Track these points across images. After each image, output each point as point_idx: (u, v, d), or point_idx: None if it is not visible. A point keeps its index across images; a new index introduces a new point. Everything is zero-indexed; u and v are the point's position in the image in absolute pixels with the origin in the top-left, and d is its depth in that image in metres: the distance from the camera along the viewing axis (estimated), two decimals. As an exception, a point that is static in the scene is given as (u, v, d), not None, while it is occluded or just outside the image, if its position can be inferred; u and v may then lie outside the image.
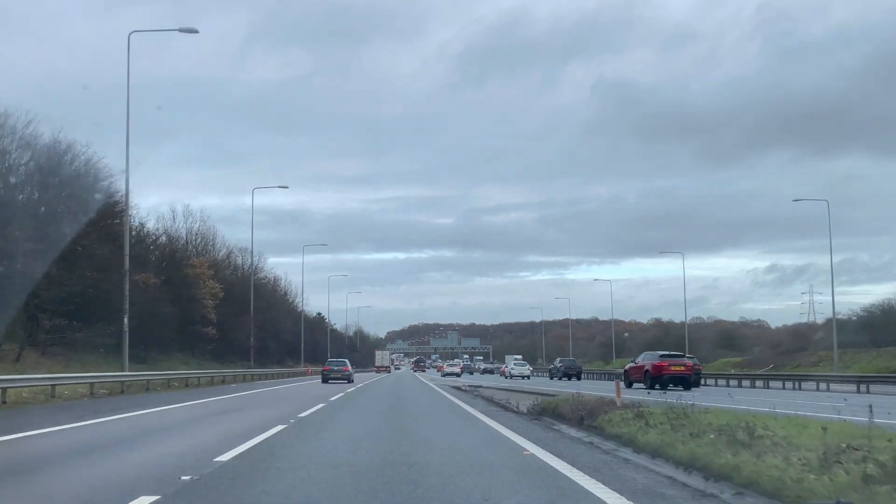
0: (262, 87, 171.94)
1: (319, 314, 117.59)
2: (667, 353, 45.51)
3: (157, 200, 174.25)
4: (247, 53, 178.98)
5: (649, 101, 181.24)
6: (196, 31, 40.20)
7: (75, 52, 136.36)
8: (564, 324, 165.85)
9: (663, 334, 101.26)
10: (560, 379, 66.92)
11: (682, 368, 41.74)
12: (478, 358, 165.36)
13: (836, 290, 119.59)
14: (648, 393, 27.80)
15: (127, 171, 37.15)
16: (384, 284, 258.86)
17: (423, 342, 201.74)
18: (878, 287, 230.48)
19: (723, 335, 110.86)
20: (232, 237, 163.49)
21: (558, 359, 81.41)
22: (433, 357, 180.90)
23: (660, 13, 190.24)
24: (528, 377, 75.97)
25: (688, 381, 41.65)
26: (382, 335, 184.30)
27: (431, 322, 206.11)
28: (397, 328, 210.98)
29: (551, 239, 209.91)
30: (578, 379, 66.20)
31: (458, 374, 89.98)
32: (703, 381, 50.54)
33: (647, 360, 43.85)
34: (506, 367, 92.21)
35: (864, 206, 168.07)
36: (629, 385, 43.36)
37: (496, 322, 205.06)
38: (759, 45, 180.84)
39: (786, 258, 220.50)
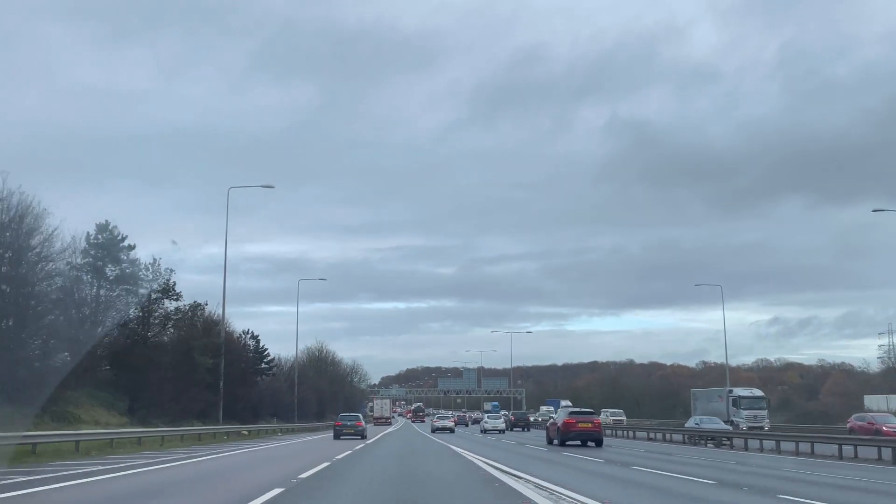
0: (267, 132, 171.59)
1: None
2: (576, 409, 47.64)
3: (158, 248, 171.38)
4: (251, 87, 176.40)
5: (663, 142, 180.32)
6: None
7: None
8: (592, 367, 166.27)
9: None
10: (511, 430, 74.54)
11: (590, 426, 42.25)
12: (494, 406, 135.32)
13: (837, 343, 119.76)
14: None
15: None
16: (383, 334, 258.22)
17: (426, 385, 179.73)
18: (881, 341, 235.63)
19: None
20: (234, 286, 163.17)
21: (512, 411, 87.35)
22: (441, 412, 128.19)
23: (680, 52, 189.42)
24: (504, 431, 72.02)
25: (596, 437, 42.19)
26: (376, 381, 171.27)
27: (432, 365, 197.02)
28: (392, 373, 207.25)
29: (553, 289, 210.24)
30: (526, 430, 71.74)
31: (451, 430, 71.91)
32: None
33: (560, 416, 45.21)
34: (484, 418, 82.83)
35: (873, 256, 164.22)
36: (549, 442, 44.23)
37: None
38: (780, 86, 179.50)
39: (789, 310, 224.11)
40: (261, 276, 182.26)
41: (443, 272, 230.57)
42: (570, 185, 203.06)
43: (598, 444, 42.17)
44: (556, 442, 43.16)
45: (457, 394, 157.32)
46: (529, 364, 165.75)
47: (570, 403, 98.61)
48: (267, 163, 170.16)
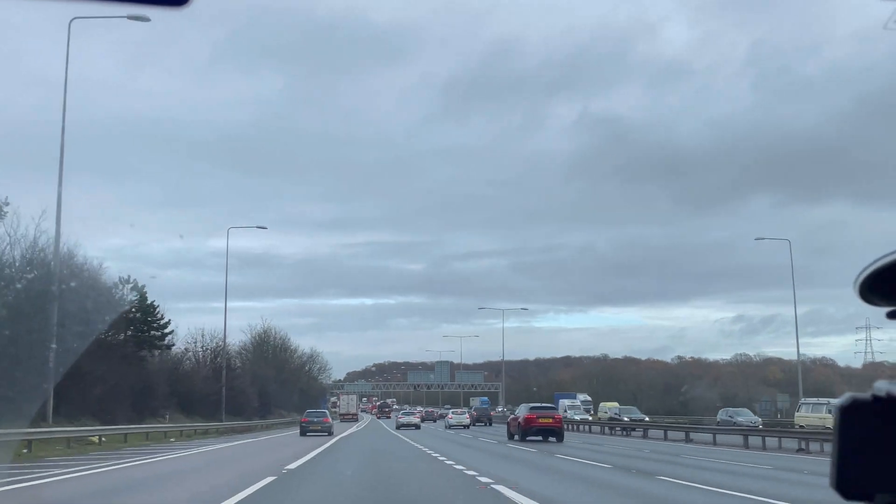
0: (233, 125, 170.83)
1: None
2: (537, 405, 48.64)
3: (120, 242, 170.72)
4: (217, 79, 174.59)
5: (635, 139, 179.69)
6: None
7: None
8: (566, 361, 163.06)
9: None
10: (474, 425, 73.45)
11: (551, 421, 43.73)
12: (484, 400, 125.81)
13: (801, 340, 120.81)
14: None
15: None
16: (351, 330, 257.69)
17: (395, 379, 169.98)
18: (840, 339, 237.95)
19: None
20: (197, 281, 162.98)
21: (474, 407, 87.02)
22: (406, 407, 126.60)
23: (652, 48, 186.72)
24: (468, 426, 71.09)
25: (556, 432, 43.40)
26: (342, 376, 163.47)
27: (400, 360, 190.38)
28: (358, 368, 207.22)
29: (522, 286, 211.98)
30: (489, 425, 72.04)
31: (417, 426, 69.03)
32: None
33: (521, 412, 46.48)
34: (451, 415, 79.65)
35: (837, 255, 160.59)
36: (510, 437, 45.39)
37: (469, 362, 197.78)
38: (750, 83, 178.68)
39: (752, 308, 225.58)
40: (223, 270, 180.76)
41: (412, 268, 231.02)
42: (541, 182, 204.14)
43: (559, 438, 43.04)
44: (516, 437, 44.06)
45: (428, 388, 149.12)
46: (499, 359, 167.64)
47: (588, 398, 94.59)
48: (233, 156, 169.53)
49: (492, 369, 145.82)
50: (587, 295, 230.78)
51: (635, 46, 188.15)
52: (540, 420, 43.66)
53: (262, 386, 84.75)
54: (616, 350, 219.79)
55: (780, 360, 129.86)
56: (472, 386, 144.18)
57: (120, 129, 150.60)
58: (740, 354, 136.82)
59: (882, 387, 1.42)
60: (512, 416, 49.27)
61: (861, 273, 1.60)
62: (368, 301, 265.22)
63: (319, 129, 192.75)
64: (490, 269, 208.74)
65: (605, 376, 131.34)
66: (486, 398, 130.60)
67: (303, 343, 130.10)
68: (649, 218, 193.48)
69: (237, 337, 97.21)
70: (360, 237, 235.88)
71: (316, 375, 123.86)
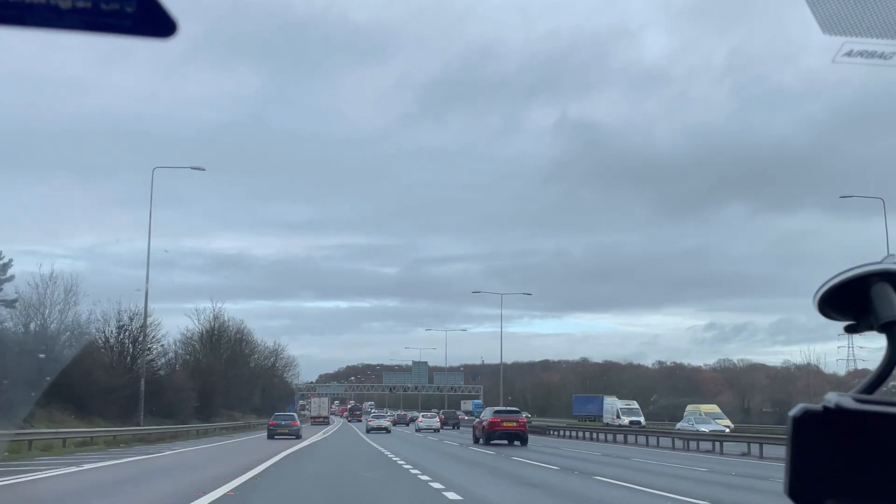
0: (205, 122, 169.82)
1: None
2: (502, 408, 49.55)
3: (92, 240, 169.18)
4: (190, 75, 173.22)
5: (611, 145, 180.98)
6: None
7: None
8: (545, 365, 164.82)
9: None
10: (441, 428, 74.35)
11: (515, 424, 44.43)
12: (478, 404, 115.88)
13: (769, 349, 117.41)
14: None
15: None
16: (324, 333, 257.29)
17: (369, 381, 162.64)
18: (811, 347, 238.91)
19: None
20: (165, 281, 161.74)
21: (442, 410, 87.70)
22: (375, 411, 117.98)
23: (631, 55, 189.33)
24: (438, 430, 71.77)
25: (520, 436, 44.09)
26: (314, 378, 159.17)
27: (374, 363, 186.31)
28: (331, 370, 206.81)
29: (496, 291, 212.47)
30: (456, 428, 72.81)
31: (387, 430, 67.82)
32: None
33: (485, 416, 47.26)
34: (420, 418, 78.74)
35: (809, 264, 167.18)
36: (475, 441, 46.07)
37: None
38: (727, 91, 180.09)
39: (724, 316, 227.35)
40: (198, 271, 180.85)
41: (386, 271, 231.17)
42: (516, 187, 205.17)
43: (523, 442, 43.97)
44: (481, 441, 44.95)
45: (405, 390, 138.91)
46: (475, 363, 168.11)
47: (635, 405, 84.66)
48: (205, 154, 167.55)
49: (469, 372, 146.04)
50: (560, 301, 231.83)
51: (615, 52, 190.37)
52: (504, 424, 44.38)
53: (205, 382, 73.08)
54: (593, 356, 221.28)
55: (763, 365, 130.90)
56: (452, 388, 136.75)
57: (90, 127, 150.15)
58: (724, 359, 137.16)
59: (832, 398, 1.43)
60: (477, 420, 50.16)
61: (819, 289, 1.65)
62: (343, 304, 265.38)
63: (293, 128, 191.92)
64: (464, 273, 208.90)
65: (601, 379, 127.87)
66: (479, 401, 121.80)
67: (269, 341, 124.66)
68: (623, 224, 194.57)
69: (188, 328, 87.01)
70: (335, 239, 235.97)
71: (281, 374, 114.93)
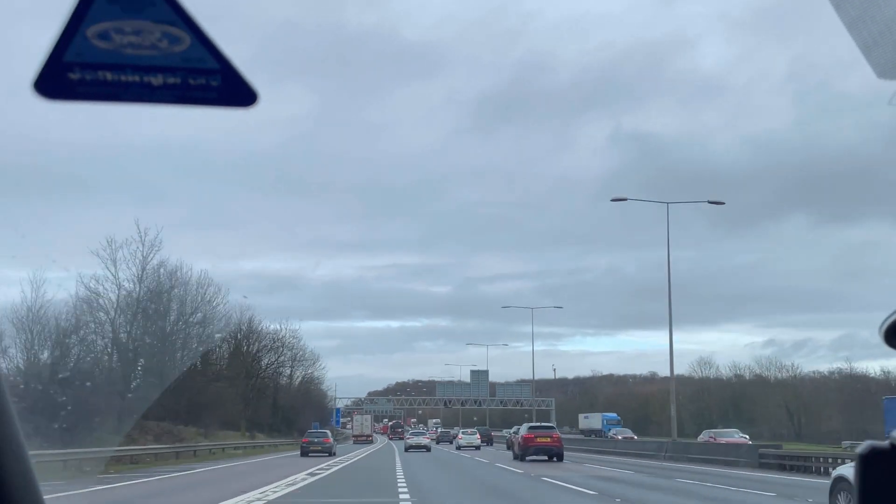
0: (258, 145, 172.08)
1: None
2: (536, 424, 49.00)
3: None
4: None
5: (666, 157, 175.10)
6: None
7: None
8: (609, 379, 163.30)
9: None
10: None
11: (549, 440, 43.81)
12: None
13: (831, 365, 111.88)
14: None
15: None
16: (376, 353, 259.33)
17: (420, 393, 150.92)
18: (873, 363, 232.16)
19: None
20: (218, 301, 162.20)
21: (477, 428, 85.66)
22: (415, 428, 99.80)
23: (688, 64, 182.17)
24: (479, 447, 68.86)
25: (555, 451, 43.37)
26: (363, 395, 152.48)
27: (425, 378, 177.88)
28: (380, 388, 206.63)
29: (549, 309, 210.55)
30: (490, 445, 72.05)
31: (427, 448, 62.79)
32: None
33: (521, 432, 46.32)
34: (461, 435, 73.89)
35: (871, 278, 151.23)
36: (515, 457, 45.28)
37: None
38: (789, 100, 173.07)
39: (783, 332, 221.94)
40: (255, 293, 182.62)
41: (438, 290, 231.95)
42: (568, 203, 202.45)
43: (559, 458, 43.47)
44: (519, 457, 44.62)
45: (462, 404, 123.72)
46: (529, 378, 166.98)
47: None
48: (258, 177, 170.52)
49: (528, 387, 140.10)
50: (613, 318, 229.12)
51: (671, 62, 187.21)
52: (538, 440, 44.23)
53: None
54: (641, 374, 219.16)
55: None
56: (518, 402, 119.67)
57: (147, 152, 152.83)
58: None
59: None
60: (510, 435, 49.75)
61: (886, 319, 1.64)
62: (394, 323, 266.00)
63: (344, 149, 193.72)
64: (516, 291, 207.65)
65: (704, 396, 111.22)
66: (613, 414, 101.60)
67: (331, 368, 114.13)
68: (679, 241, 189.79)
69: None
70: (386, 259, 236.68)
71: (309, 384, 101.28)
